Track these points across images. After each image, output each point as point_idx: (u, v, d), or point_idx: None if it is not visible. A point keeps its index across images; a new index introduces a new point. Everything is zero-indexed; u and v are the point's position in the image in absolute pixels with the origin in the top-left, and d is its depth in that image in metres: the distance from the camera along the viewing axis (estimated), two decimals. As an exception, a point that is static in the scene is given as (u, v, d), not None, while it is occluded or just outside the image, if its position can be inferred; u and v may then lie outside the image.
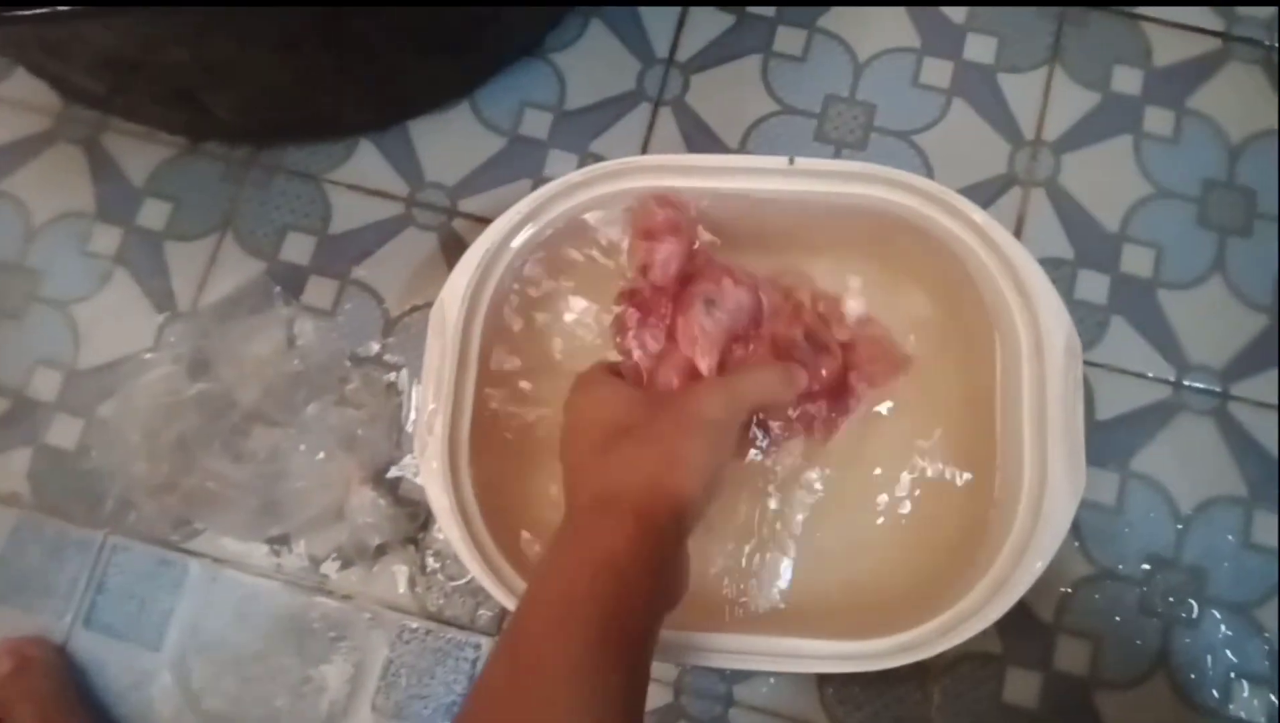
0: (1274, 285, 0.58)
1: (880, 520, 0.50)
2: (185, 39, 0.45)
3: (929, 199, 0.49)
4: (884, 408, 0.51)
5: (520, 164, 0.60)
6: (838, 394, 0.51)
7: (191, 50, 0.47)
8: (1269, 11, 0.62)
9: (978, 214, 0.48)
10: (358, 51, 0.51)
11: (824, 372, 0.49)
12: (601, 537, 0.35)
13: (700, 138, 0.61)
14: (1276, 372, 0.57)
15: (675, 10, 0.63)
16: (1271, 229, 0.59)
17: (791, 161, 0.50)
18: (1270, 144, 0.60)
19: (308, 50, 0.49)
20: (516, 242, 0.49)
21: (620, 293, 0.51)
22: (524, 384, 0.51)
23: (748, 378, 0.44)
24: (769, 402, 0.47)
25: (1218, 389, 0.57)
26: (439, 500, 0.46)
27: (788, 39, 0.62)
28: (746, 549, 0.50)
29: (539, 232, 0.50)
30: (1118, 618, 0.54)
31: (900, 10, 0.62)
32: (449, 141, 0.60)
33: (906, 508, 0.50)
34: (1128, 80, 0.61)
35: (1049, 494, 0.45)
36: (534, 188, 0.57)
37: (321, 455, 0.53)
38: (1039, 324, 0.47)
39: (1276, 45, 0.62)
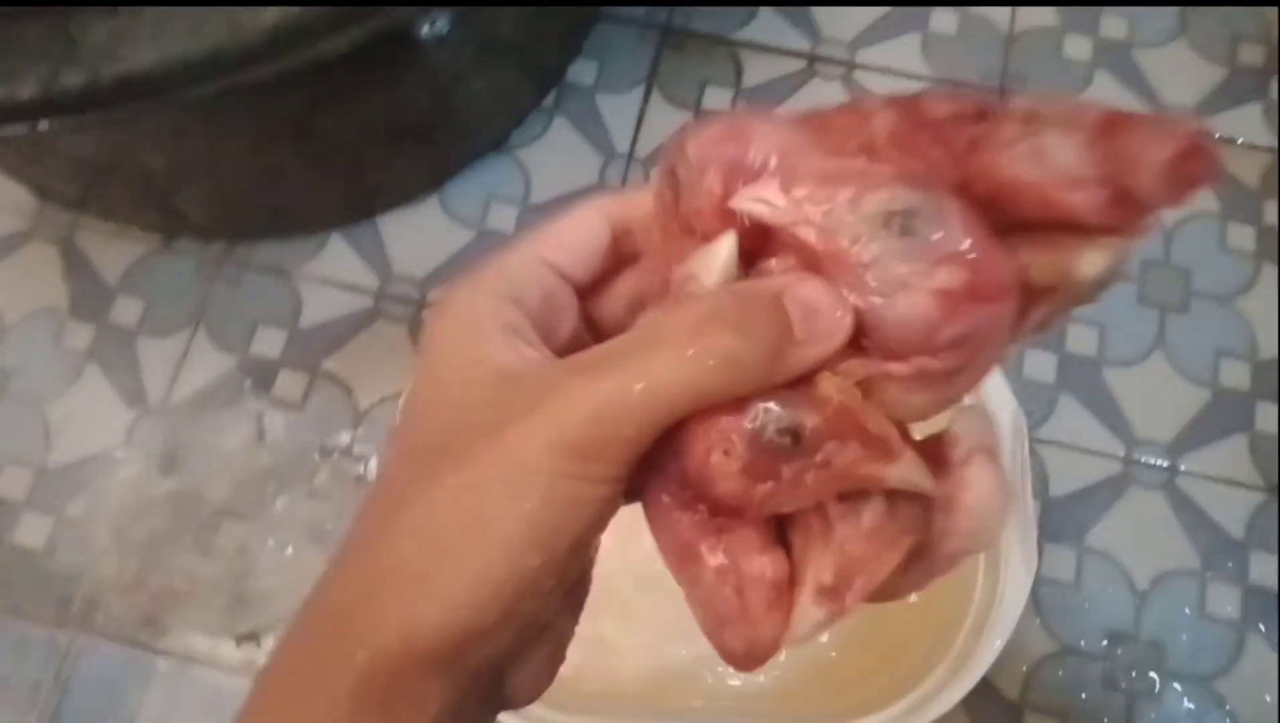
0: (1213, 360, 0.60)
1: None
2: (159, 143, 0.47)
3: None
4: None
5: (488, 256, 0.62)
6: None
7: (165, 153, 0.49)
8: (1191, 99, 0.66)
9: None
10: (326, 149, 0.53)
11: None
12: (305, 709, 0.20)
13: (661, 228, 0.63)
14: (1220, 444, 0.59)
15: (635, 107, 0.66)
16: (1207, 306, 0.61)
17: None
18: (1200, 225, 0.63)
19: (277, 149, 0.51)
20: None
21: None
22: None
23: (628, 373, 0.19)
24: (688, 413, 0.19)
25: (1166, 464, 0.58)
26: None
27: (743, 133, 0.65)
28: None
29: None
30: (1082, 694, 0.55)
31: (849, 105, 0.65)
32: (418, 234, 0.62)
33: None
34: (1066, 168, 0.64)
35: (1004, 572, 0.46)
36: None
37: (290, 550, 0.54)
38: (984, 405, 0.48)
39: (1204, 133, 0.65)
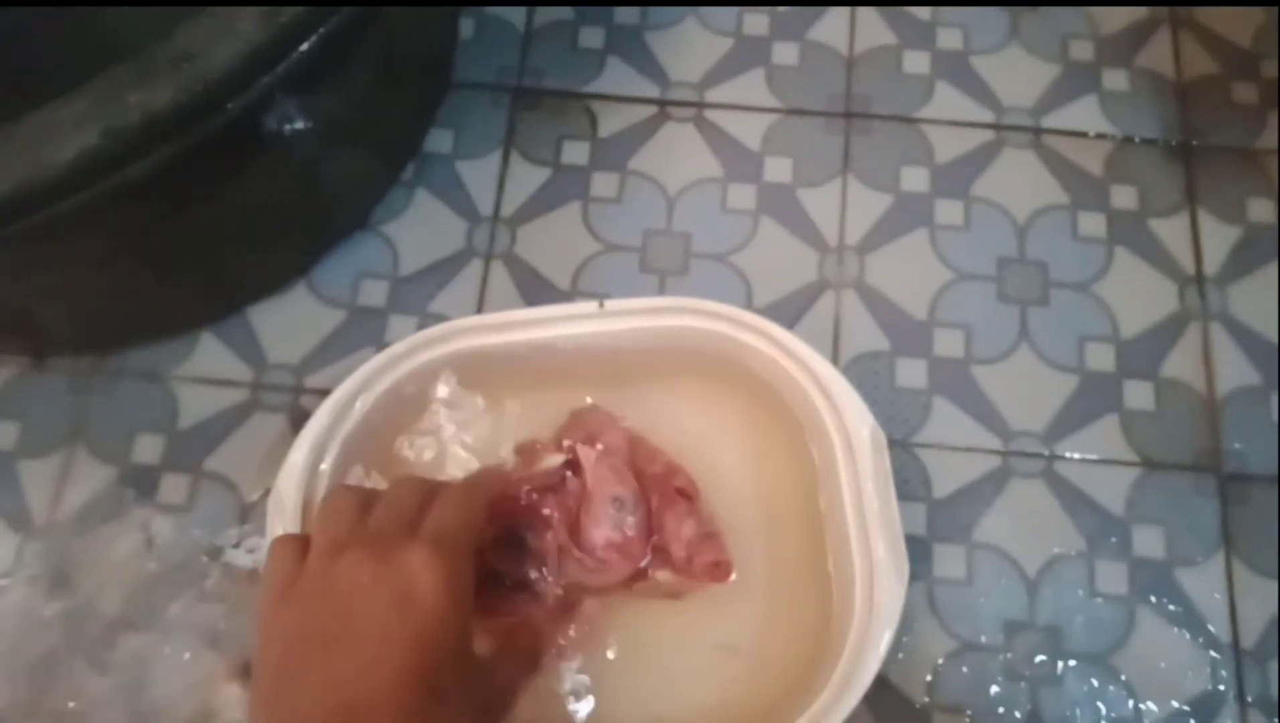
0: (1078, 346, 0.62)
1: (723, 645, 0.51)
2: (4, 273, 0.47)
3: (733, 322, 0.53)
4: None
5: (362, 334, 0.62)
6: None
7: (10, 281, 0.49)
8: (1030, 99, 0.69)
9: (777, 331, 0.52)
10: (178, 257, 0.54)
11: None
12: None
13: (533, 284, 0.64)
14: (1093, 426, 0.61)
15: (495, 169, 0.67)
16: (1066, 295, 0.64)
17: (601, 305, 0.53)
18: (1051, 218, 0.66)
19: (126, 264, 0.51)
20: (347, 419, 0.51)
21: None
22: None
23: None
24: None
25: (1044, 452, 0.60)
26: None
27: (603, 183, 0.67)
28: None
29: (373, 406, 0.52)
30: (986, 688, 0.56)
31: (703, 144, 0.67)
32: (289, 321, 0.62)
33: (752, 626, 0.52)
34: (915, 179, 0.66)
35: (878, 584, 0.47)
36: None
37: (186, 656, 0.53)
38: (845, 424, 0.50)
39: (1040, 127, 0.68)
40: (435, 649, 0.33)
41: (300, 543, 0.39)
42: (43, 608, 0.55)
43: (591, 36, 0.71)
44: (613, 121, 0.69)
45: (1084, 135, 0.68)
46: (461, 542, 0.38)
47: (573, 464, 0.51)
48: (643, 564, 0.50)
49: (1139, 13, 0.72)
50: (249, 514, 0.59)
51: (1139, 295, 0.64)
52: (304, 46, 0.38)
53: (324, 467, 0.50)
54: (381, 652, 0.32)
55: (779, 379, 0.52)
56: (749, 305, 0.63)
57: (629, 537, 0.49)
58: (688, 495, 0.52)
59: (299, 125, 0.50)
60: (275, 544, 0.40)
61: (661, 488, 0.51)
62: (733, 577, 0.52)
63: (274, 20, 0.37)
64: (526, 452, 0.53)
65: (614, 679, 0.51)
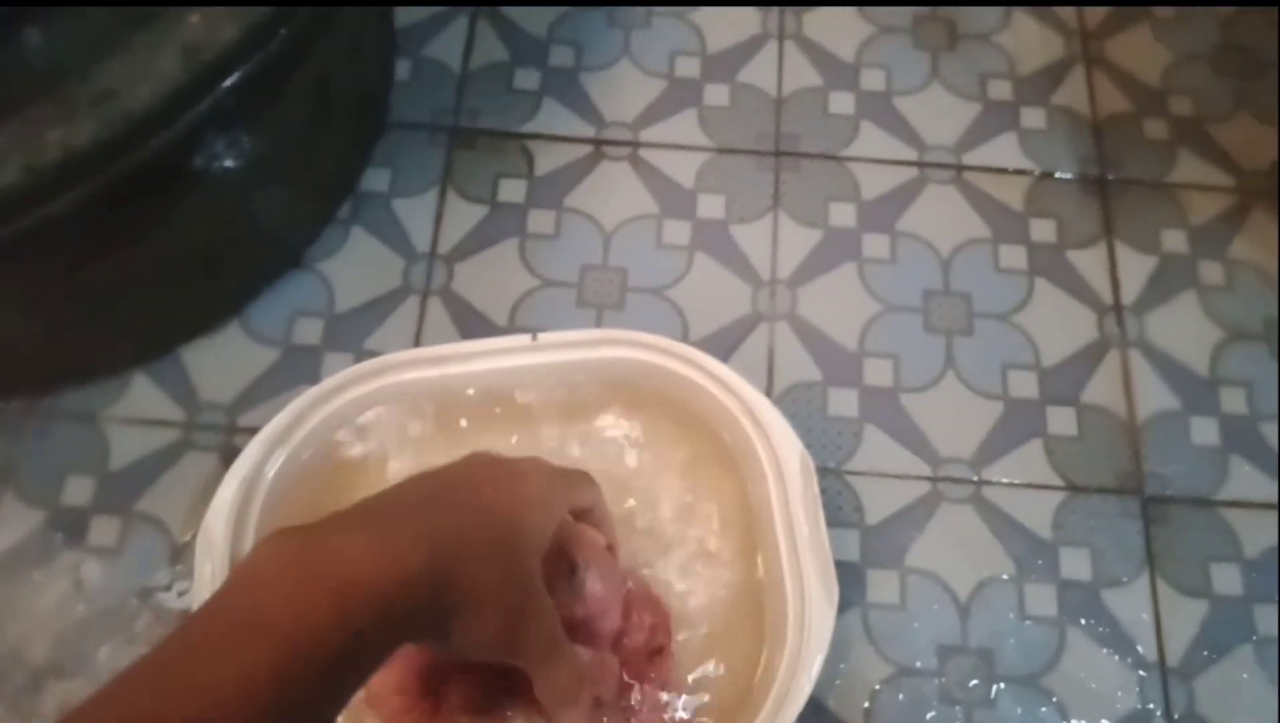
0: (1001, 374, 0.64)
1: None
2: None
3: (664, 353, 0.54)
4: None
5: (296, 372, 0.62)
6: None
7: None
8: (951, 138, 0.71)
9: (708, 361, 0.53)
10: (106, 297, 0.53)
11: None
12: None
13: (470, 320, 0.64)
14: (1018, 452, 0.62)
15: (432, 208, 0.68)
16: (989, 325, 0.66)
17: (534, 338, 0.54)
18: (974, 251, 0.68)
19: (52, 306, 0.51)
20: (278, 455, 0.51)
21: None
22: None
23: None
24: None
25: (972, 478, 0.62)
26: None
27: (539, 220, 0.68)
28: None
29: (304, 442, 0.52)
30: (922, 713, 0.56)
31: (638, 182, 0.69)
32: (222, 360, 0.62)
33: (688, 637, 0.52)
34: (843, 215, 0.68)
35: (809, 607, 0.48)
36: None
37: (114, 700, 0.52)
38: (775, 451, 0.51)
39: (962, 164, 0.70)
40: (525, 525, 0.39)
41: None
42: (-36, 657, 0.54)
43: (527, 78, 0.73)
44: (549, 160, 0.70)
45: (1004, 171, 0.71)
46: (560, 486, 0.43)
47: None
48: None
49: (1055, 52, 0.75)
50: (180, 555, 0.58)
51: (1059, 324, 0.66)
52: (227, 84, 0.39)
53: (254, 505, 0.49)
54: (489, 501, 0.38)
55: (710, 408, 0.53)
56: (685, 338, 0.64)
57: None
58: (661, 649, 0.50)
59: (228, 163, 0.51)
60: None
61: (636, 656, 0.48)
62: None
63: (195, 58, 0.38)
64: None
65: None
